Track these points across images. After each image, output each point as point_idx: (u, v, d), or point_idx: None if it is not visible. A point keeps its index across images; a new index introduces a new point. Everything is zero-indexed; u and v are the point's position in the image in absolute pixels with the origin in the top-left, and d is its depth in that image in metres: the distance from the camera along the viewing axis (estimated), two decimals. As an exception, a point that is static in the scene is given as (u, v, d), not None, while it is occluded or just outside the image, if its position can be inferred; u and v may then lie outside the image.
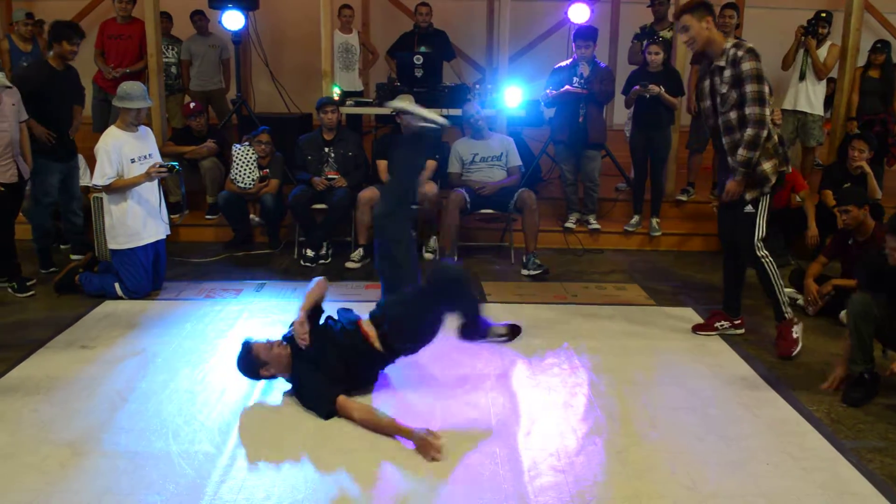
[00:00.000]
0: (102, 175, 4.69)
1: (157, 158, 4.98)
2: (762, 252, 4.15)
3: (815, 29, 6.64)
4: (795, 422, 3.42)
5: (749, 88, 3.89)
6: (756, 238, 4.13)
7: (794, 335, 4.19)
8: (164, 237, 5.05)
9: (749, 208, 4.10)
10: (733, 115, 3.99)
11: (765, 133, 3.92)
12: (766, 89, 3.91)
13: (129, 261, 4.82)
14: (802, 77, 6.71)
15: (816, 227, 5.79)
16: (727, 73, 3.96)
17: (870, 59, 6.87)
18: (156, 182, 4.92)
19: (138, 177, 4.76)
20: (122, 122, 4.82)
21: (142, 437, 3.17)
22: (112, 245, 4.87)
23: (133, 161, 4.78)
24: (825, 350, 4.28)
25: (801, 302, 4.82)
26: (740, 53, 3.92)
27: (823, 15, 6.66)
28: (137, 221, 4.83)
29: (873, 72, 6.82)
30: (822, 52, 6.66)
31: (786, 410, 3.52)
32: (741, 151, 3.95)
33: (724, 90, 3.98)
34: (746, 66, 3.89)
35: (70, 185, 5.51)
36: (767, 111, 3.90)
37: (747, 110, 3.91)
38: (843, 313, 4.18)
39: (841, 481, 2.94)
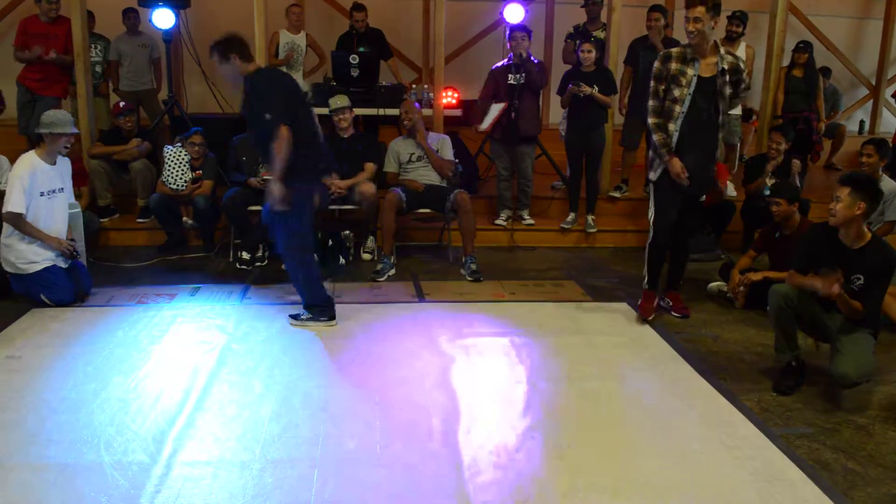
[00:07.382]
0: (18, 204, 4.54)
1: (69, 192, 4.90)
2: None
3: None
4: (728, 411, 3.52)
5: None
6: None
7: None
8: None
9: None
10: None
11: None
12: None
13: (35, 280, 4.66)
14: None
15: (744, 221, 5.94)
16: (731, 77, 4.33)
17: (793, 58, 7.10)
18: (64, 220, 4.80)
19: (49, 240, 4.65)
20: (43, 150, 4.67)
21: (72, 448, 3.07)
22: (7, 268, 4.70)
23: (42, 194, 4.64)
24: (756, 341, 4.41)
25: (729, 295, 4.96)
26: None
27: (738, 14, 6.77)
28: (30, 248, 4.65)
29: (797, 71, 7.06)
30: (739, 54, 6.81)
31: (718, 401, 3.62)
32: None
33: (728, 91, 4.35)
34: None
35: None
36: None
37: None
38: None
39: (771, 468, 3.04)
